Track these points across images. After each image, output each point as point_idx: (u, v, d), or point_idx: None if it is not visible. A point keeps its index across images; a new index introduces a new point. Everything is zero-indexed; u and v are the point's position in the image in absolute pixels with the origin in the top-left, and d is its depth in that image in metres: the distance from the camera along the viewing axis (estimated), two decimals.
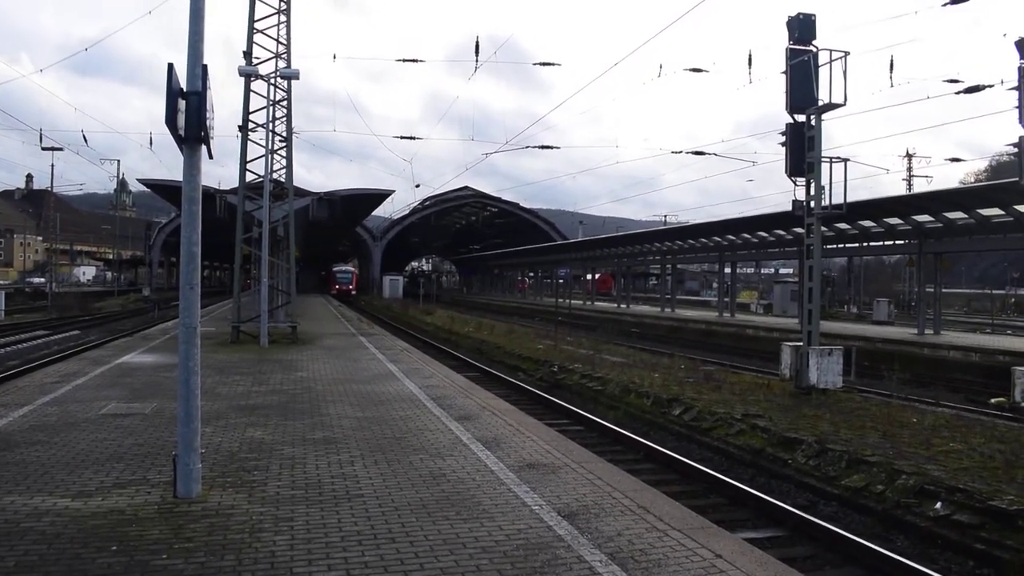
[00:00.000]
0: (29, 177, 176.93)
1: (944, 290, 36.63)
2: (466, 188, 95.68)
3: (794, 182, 16.62)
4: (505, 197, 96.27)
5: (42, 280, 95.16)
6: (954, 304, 62.80)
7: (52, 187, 73.66)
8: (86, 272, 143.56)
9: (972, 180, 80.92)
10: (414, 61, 31.03)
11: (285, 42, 24.81)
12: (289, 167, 25.83)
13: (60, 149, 58.24)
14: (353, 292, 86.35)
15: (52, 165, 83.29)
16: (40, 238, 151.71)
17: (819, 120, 16.14)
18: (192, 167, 7.16)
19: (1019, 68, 13.21)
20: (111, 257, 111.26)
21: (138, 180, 48.91)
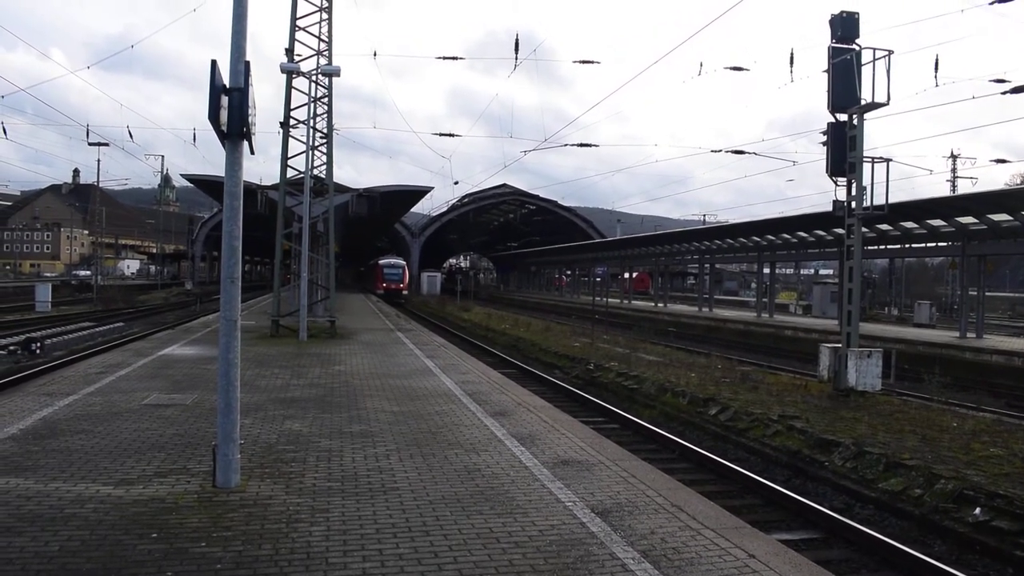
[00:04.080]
0: (76, 172, 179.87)
1: (987, 293, 36.06)
2: (504, 186, 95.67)
3: (835, 182, 16.47)
4: (539, 195, 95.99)
5: (88, 273, 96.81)
6: (998, 308, 61.71)
7: (98, 182, 74.92)
8: (130, 265, 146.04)
9: (1018, 182, 79.41)
10: (453, 59, 31.00)
11: (327, 39, 25.01)
12: (329, 163, 26.04)
13: (106, 144, 59.09)
14: (404, 292, 70.98)
15: (98, 160, 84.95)
16: (86, 232, 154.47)
17: (861, 119, 15.97)
18: (234, 162, 7.28)
19: None
20: (155, 251, 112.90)
21: (181, 175, 49.58)
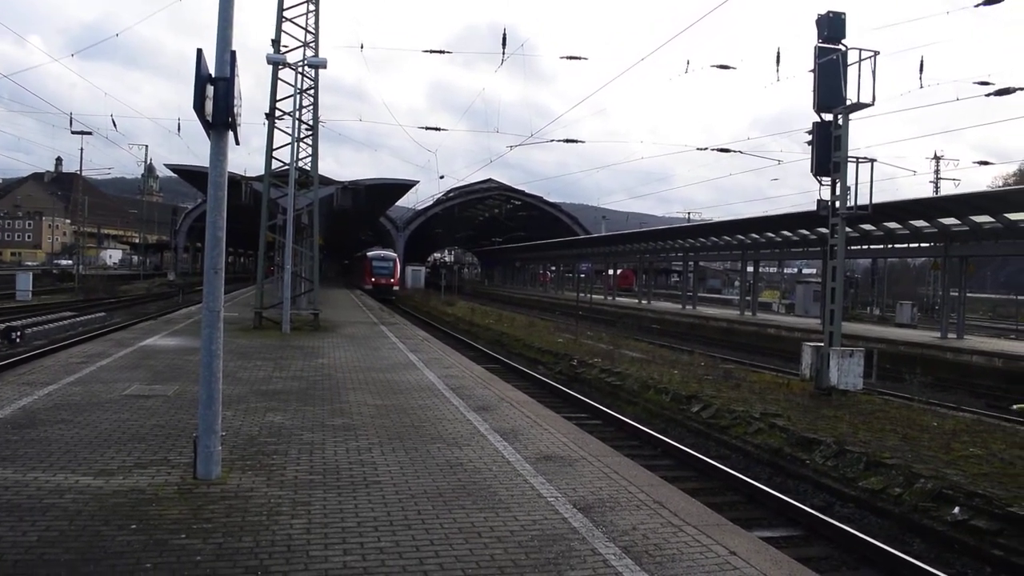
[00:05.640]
0: (59, 160, 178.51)
1: (969, 294, 36.27)
2: (490, 181, 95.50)
3: (819, 181, 16.53)
4: (525, 190, 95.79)
5: (69, 262, 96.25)
6: (979, 309, 62.10)
7: (81, 171, 74.43)
8: (112, 255, 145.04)
9: (1000, 184, 79.98)
10: (440, 52, 30.83)
11: (313, 31, 24.89)
12: (315, 155, 25.93)
13: (89, 133, 58.79)
14: (395, 287, 64.14)
15: (81, 149, 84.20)
16: (68, 221, 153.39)
17: (846, 120, 16.03)
18: (219, 153, 7.23)
19: None
20: (137, 241, 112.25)
21: (165, 165, 49.35)
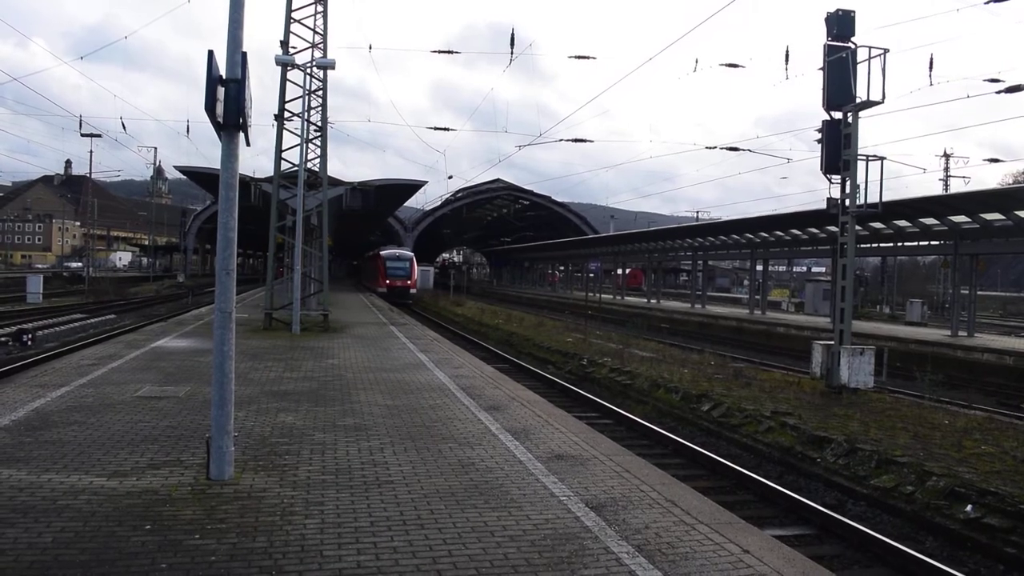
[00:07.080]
0: (68, 163, 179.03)
1: (979, 292, 36.15)
2: (498, 181, 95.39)
3: (829, 180, 16.49)
4: (533, 190, 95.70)
5: (79, 265, 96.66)
6: (989, 307, 61.89)
7: (91, 173, 74.69)
8: (122, 257, 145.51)
9: (1010, 181, 79.63)
10: (448, 52, 30.79)
11: (322, 32, 24.92)
12: (323, 156, 25.96)
13: (99, 136, 59.04)
14: (412, 290, 56.76)
15: (91, 152, 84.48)
16: (78, 223, 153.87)
17: (856, 118, 15.98)
18: (230, 154, 7.24)
19: None
20: (147, 243, 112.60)
21: (175, 167, 49.43)
